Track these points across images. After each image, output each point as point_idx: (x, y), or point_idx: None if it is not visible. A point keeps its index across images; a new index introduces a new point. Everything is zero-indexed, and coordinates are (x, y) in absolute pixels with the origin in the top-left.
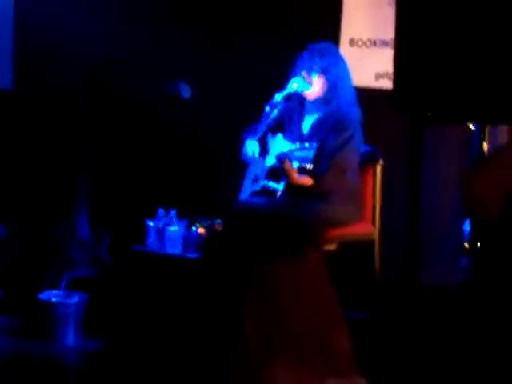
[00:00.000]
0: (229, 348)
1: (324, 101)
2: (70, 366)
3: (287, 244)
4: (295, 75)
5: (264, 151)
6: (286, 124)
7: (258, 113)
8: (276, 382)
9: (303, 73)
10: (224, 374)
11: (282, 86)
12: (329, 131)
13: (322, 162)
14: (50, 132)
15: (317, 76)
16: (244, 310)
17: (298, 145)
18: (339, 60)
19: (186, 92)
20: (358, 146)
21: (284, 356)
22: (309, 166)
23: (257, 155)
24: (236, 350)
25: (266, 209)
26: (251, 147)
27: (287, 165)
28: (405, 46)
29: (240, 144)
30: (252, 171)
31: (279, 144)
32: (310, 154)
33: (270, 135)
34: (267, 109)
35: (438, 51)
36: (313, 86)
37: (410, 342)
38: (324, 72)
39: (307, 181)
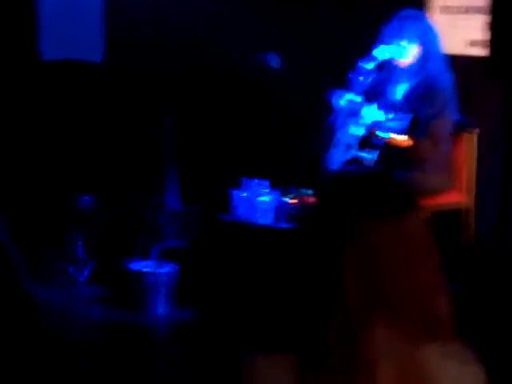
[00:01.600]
0: (328, 301)
1: (417, 68)
2: (162, 336)
3: (386, 205)
4: (387, 42)
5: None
6: (380, 93)
7: (346, 80)
8: (374, 345)
9: (403, 42)
10: (321, 335)
11: (369, 53)
12: (421, 101)
13: (416, 131)
14: (139, 105)
15: (414, 45)
16: (345, 268)
17: (391, 115)
18: (432, 27)
19: (275, 62)
20: (451, 115)
21: (382, 316)
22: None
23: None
24: (335, 303)
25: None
26: (372, 112)
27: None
28: (501, 11)
29: (328, 107)
30: (341, 140)
31: (374, 113)
32: (403, 124)
33: (366, 104)
34: (360, 78)
35: None
36: (407, 54)
37: (505, 311)
38: (419, 40)
39: (405, 141)
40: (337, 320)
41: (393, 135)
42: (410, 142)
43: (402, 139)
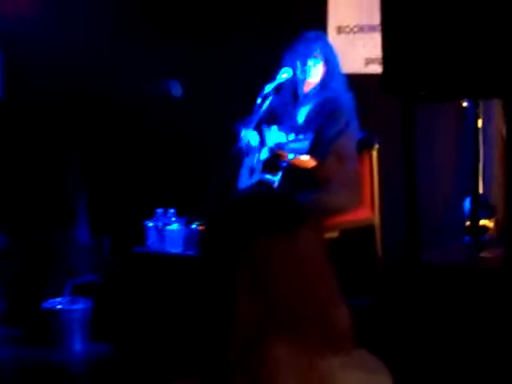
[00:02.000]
0: (227, 330)
1: (320, 88)
2: (78, 372)
3: (282, 221)
4: (291, 65)
5: (261, 142)
6: (280, 116)
7: (251, 106)
8: (274, 360)
9: (309, 62)
10: (222, 356)
11: (271, 77)
12: (325, 119)
13: (321, 150)
14: (44, 140)
15: (320, 63)
16: (238, 288)
17: (292, 136)
18: (331, 47)
19: (177, 90)
20: (354, 133)
21: (282, 334)
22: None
23: (256, 143)
24: (232, 329)
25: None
26: (249, 136)
27: (279, 151)
28: (392, 26)
29: (234, 135)
30: (247, 164)
31: (275, 136)
32: (305, 144)
33: (265, 127)
34: (259, 101)
35: (425, 29)
36: (314, 74)
37: (416, 323)
38: (326, 60)
39: (308, 162)
40: (236, 339)
41: (296, 156)
42: (313, 163)
43: (306, 160)
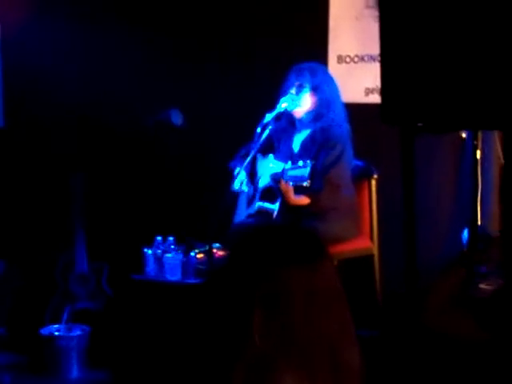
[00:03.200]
0: (237, 357)
1: (314, 117)
2: None
3: (299, 253)
4: (284, 95)
5: (254, 174)
6: (276, 144)
7: (251, 135)
8: None
9: (292, 90)
10: (231, 373)
11: (272, 106)
12: (319, 149)
13: (316, 180)
14: (44, 166)
15: (308, 93)
16: (254, 321)
17: (290, 164)
18: (329, 78)
19: (177, 119)
20: (349, 162)
21: (291, 365)
22: (306, 184)
23: (245, 185)
24: (244, 359)
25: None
26: (239, 179)
27: (283, 185)
28: (390, 58)
29: (229, 174)
30: (245, 194)
31: (271, 164)
32: (306, 171)
33: (260, 156)
34: (258, 130)
35: (424, 61)
36: (303, 103)
37: (418, 355)
38: (315, 90)
39: (304, 200)
40: (244, 364)
41: (291, 196)
42: (307, 201)
43: (300, 200)
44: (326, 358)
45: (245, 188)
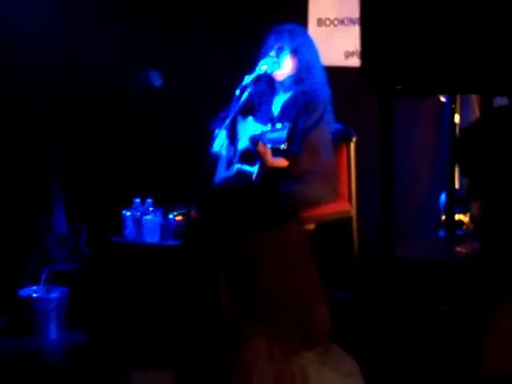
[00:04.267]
0: (206, 322)
1: (295, 81)
2: (54, 361)
3: (267, 216)
4: (264, 57)
5: (234, 136)
6: (257, 106)
7: (230, 97)
8: (251, 353)
9: (272, 53)
10: (199, 346)
11: (252, 69)
12: (299, 112)
13: (295, 143)
14: (21, 129)
15: (287, 56)
16: (220, 282)
17: (269, 126)
18: (309, 40)
19: (157, 80)
20: (329, 125)
21: (260, 328)
22: (283, 147)
23: (225, 147)
24: (213, 322)
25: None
26: (219, 141)
27: (261, 147)
28: (370, 21)
29: (209, 136)
30: (224, 157)
31: (250, 127)
32: (284, 134)
33: (240, 118)
34: (237, 92)
35: (404, 24)
36: (283, 66)
37: (392, 317)
38: (295, 52)
39: (282, 162)
40: (213, 330)
41: (269, 159)
42: (286, 163)
43: (279, 161)
44: (294, 319)
45: (224, 150)
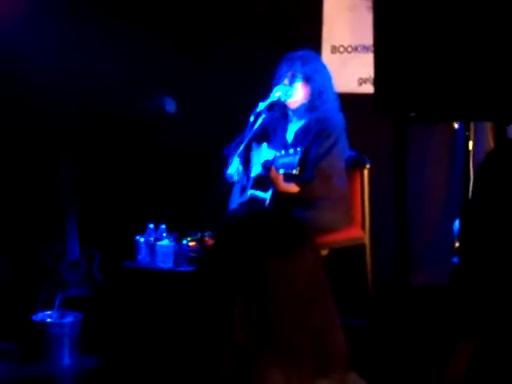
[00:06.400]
0: (219, 350)
1: (308, 108)
2: None
3: (281, 243)
4: (277, 84)
5: (248, 162)
6: (271, 133)
7: (244, 124)
8: (266, 378)
9: (285, 81)
10: (215, 373)
11: (266, 95)
12: (313, 138)
13: (308, 170)
14: (35, 153)
15: (300, 83)
16: (234, 310)
17: (282, 152)
18: (322, 67)
19: (171, 106)
20: (342, 152)
21: (275, 355)
22: (295, 172)
23: (239, 173)
24: (228, 350)
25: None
26: (233, 167)
27: (273, 172)
28: (384, 48)
29: (223, 162)
30: (238, 184)
31: (264, 153)
32: (295, 159)
33: (254, 145)
34: (251, 118)
35: (417, 51)
36: (296, 94)
37: (407, 345)
38: (308, 79)
39: (293, 188)
40: (229, 356)
41: (281, 184)
42: (297, 189)
43: (289, 187)
44: (310, 348)
45: (238, 176)
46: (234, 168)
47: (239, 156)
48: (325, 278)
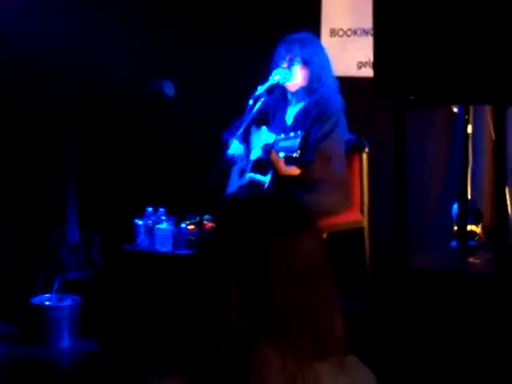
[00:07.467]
0: (218, 330)
1: (307, 91)
2: (66, 369)
3: (278, 225)
4: (276, 67)
5: (247, 145)
6: (270, 116)
7: (243, 107)
8: (263, 363)
9: (284, 64)
10: (211, 354)
11: (265, 78)
12: (312, 121)
13: (308, 152)
14: (35, 138)
15: (299, 66)
16: (232, 290)
17: (282, 135)
18: (320, 49)
19: (169, 90)
20: (342, 135)
21: (273, 338)
22: (295, 154)
23: (238, 156)
24: (225, 331)
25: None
26: (234, 148)
27: (273, 155)
28: (384, 31)
29: (222, 145)
30: (238, 165)
31: (264, 136)
32: (296, 142)
33: (254, 128)
34: (250, 102)
35: (417, 35)
36: (294, 77)
37: (406, 328)
38: (306, 62)
39: (294, 171)
40: (226, 338)
41: (282, 167)
42: (298, 171)
43: (290, 170)
44: (307, 330)
45: (238, 158)
46: (233, 151)
47: (238, 139)
48: (325, 261)
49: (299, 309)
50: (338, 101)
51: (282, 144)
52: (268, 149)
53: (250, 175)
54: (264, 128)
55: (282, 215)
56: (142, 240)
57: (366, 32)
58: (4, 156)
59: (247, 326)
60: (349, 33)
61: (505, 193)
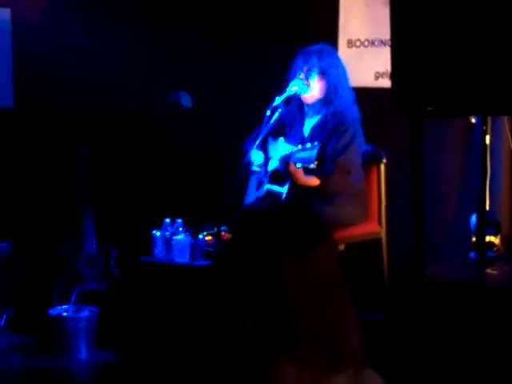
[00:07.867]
0: (233, 344)
1: (324, 102)
2: (83, 380)
3: (296, 240)
4: (293, 78)
5: (265, 155)
6: (287, 127)
7: (261, 118)
8: (279, 378)
9: (301, 75)
10: (228, 373)
11: (282, 89)
12: (330, 133)
13: (327, 164)
14: (52, 149)
15: (316, 78)
16: (248, 304)
17: (299, 146)
18: (337, 61)
19: (186, 101)
20: (360, 147)
21: (288, 350)
22: (312, 166)
23: (260, 161)
24: (240, 345)
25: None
26: (255, 157)
27: (292, 167)
28: (401, 42)
29: (242, 155)
30: (255, 176)
31: (281, 148)
32: (313, 153)
33: (271, 139)
34: (268, 113)
35: (434, 46)
36: (311, 89)
37: (423, 339)
38: (323, 74)
39: (314, 181)
40: (242, 351)
41: (301, 177)
42: (317, 182)
43: (310, 180)
44: (323, 344)
45: (258, 168)
46: (254, 156)
47: (256, 150)
48: (340, 273)
49: (315, 322)
50: (354, 112)
51: (298, 155)
52: (285, 160)
53: (267, 186)
54: (281, 139)
55: (299, 232)
56: (159, 251)
57: (383, 42)
58: (23, 168)
59: (264, 339)
60: (366, 43)
61: None
